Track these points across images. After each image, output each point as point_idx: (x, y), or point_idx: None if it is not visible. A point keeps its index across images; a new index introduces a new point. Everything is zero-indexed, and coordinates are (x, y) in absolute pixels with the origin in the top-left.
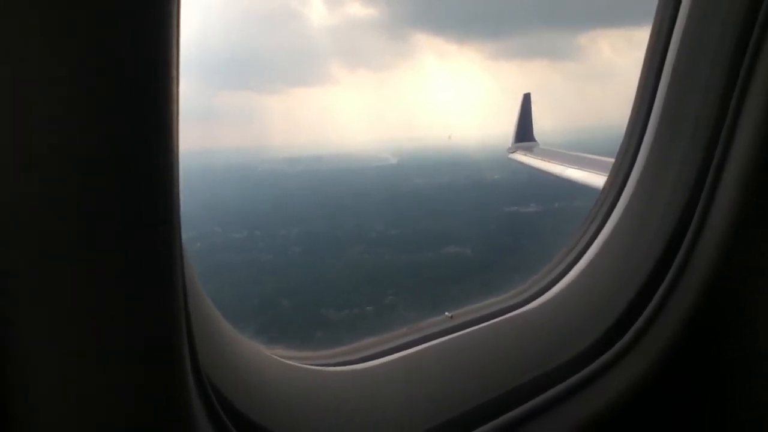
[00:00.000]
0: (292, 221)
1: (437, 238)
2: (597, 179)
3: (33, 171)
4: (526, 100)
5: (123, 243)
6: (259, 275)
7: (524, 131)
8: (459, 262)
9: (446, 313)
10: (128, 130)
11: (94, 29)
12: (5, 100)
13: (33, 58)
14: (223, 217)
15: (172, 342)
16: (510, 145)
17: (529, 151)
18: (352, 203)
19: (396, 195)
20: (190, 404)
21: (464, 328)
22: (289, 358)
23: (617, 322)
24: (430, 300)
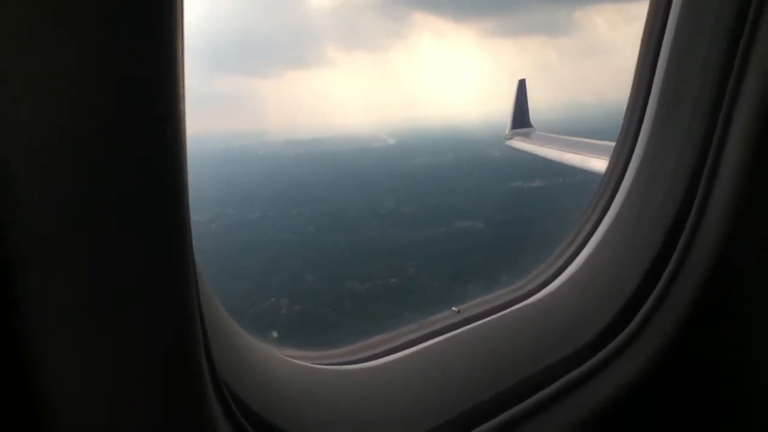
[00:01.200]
0: (302, 202)
1: (448, 214)
2: (594, 163)
3: (44, 171)
4: (521, 86)
5: (135, 253)
6: (280, 253)
7: (521, 117)
8: (473, 235)
9: (453, 308)
10: (135, 129)
11: (99, 25)
12: (12, 97)
13: (38, 54)
14: (233, 199)
15: (188, 349)
16: (507, 132)
17: (526, 137)
18: (357, 183)
19: (400, 174)
20: (209, 409)
21: (471, 322)
22: (301, 359)
23: (622, 312)
24: (450, 271)
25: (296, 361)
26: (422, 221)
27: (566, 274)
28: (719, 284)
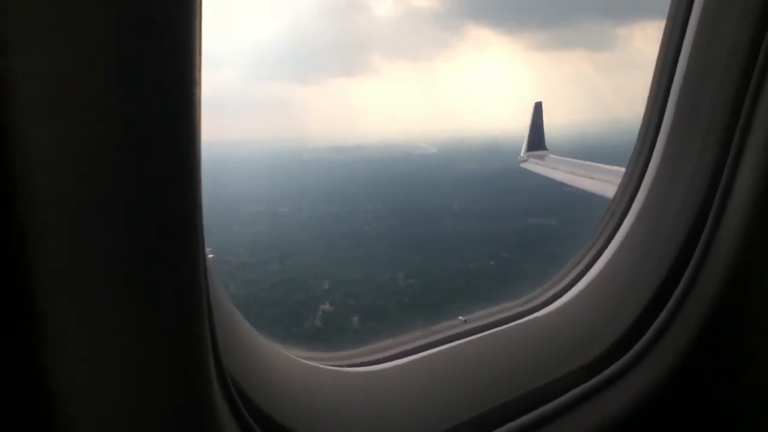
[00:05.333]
0: (371, 199)
1: (516, 212)
2: (607, 187)
3: (57, 169)
4: (537, 109)
5: (146, 246)
6: (376, 239)
7: (536, 140)
8: (548, 230)
9: (460, 317)
10: (148, 128)
11: (109, 23)
12: (24, 96)
13: (49, 53)
14: (304, 195)
15: (195, 344)
16: (522, 154)
17: (540, 159)
18: (414, 185)
19: (453, 178)
20: (215, 405)
21: (478, 333)
22: (307, 359)
23: (630, 329)
24: (540, 255)
25: (305, 361)
26: (495, 217)
27: (576, 289)
28: (730, 302)
